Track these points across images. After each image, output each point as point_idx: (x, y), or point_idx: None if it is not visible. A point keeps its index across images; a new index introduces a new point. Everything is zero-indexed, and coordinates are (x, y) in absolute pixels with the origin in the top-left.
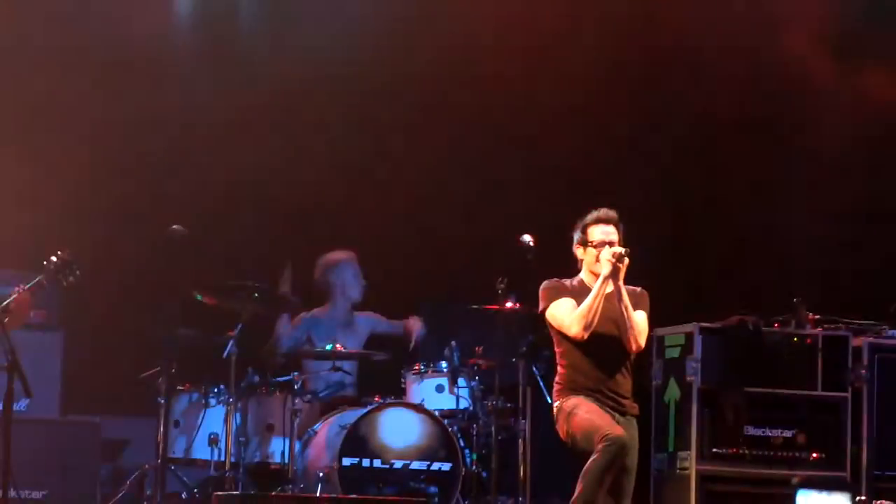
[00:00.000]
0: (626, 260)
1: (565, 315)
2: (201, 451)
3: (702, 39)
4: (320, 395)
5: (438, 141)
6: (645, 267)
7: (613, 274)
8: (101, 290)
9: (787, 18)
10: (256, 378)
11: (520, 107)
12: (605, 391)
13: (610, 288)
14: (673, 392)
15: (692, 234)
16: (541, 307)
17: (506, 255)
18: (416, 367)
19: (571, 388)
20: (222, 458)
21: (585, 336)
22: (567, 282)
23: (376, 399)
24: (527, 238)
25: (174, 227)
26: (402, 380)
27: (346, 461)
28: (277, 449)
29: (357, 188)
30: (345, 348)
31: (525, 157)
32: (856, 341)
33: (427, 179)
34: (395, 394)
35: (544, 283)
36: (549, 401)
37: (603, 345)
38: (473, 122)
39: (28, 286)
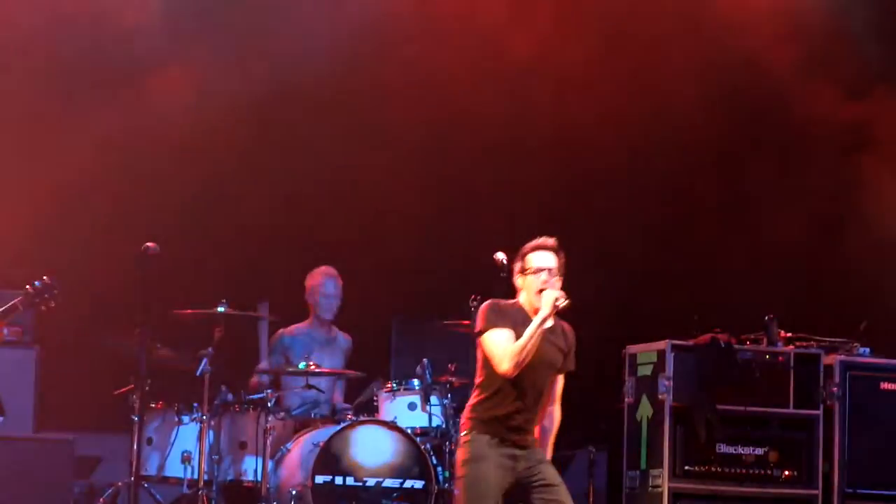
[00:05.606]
0: (565, 302)
1: (499, 348)
2: (174, 469)
3: (673, 61)
4: (294, 412)
5: (415, 157)
6: (619, 284)
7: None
8: (74, 306)
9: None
10: (230, 396)
11: (496, 126)
12: (516, 423)
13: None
14: (645, 410)
15: (665, 252)
16: (478, 327)
17: (479, 272)
18: (389, 385)
19: (481, 421)
20: (195, 476)
21: (514, 374)
22: (507, 304)
23: (349, 417)
24: (501, 256)
25: (147, 244)
26: (375, 398)
27: (319, 479)
28: (250, 467)
29: (331, 205)
30: (321, 366)
31: (502, 175)
32: (827, 359)
33: (402, 196)
34: (368, 412)
35: (484, 305)
36: None
37: (530, 382)
38: (450, 138)
39: (2, 309)
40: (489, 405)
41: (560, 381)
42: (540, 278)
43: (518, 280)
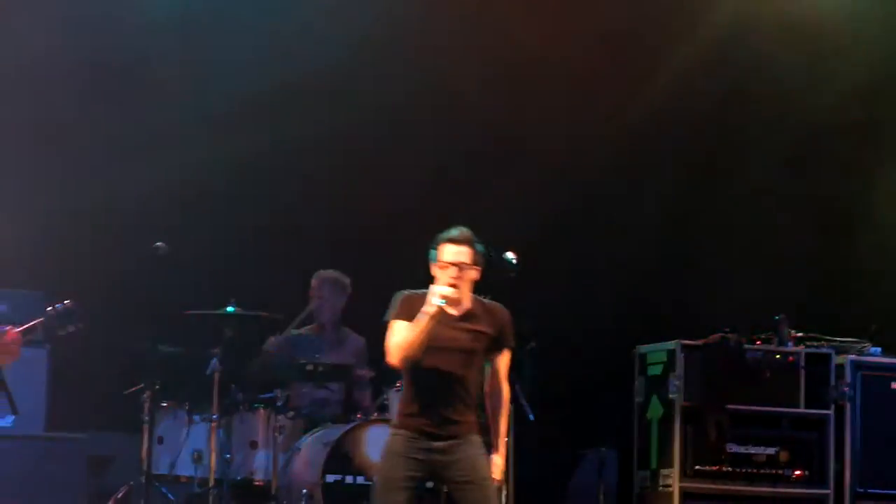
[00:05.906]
0: (457, 299)
1: (392, 339)
2: (185, 468)
3: (681, 49)
4: (304, 412)
5: (420, 156)
6: (629, 283)
7: (441, 312)
8: (85, 306)
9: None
10: (240, 395)
11: (502, 126)
12: (433, 414)
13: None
14: (655, 409)
15: (676, 251)
16: (387, 315)
17: (488, 271)
18: (398, 385)
19: (402, 415)
20: (206, 475)
21: (403, 366)
22: (419, 295)
23: (359, 416)
24: (510, 255)
25: (158, 243)
26: (385, 397)
27: (330, 478)
28: (261, 465)
29: (337, 206)
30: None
31: (507, 176)
32: (838, 359)
33: (408, 195)
34: (378, 410)
35: (398, 295)
36: (531, 418)
37: (438, 371)
38: (455, 137)
39: (23, 327)
40: (406, 398)
41: (505, 358)
42: (447, 273)
43: (433, 269)
